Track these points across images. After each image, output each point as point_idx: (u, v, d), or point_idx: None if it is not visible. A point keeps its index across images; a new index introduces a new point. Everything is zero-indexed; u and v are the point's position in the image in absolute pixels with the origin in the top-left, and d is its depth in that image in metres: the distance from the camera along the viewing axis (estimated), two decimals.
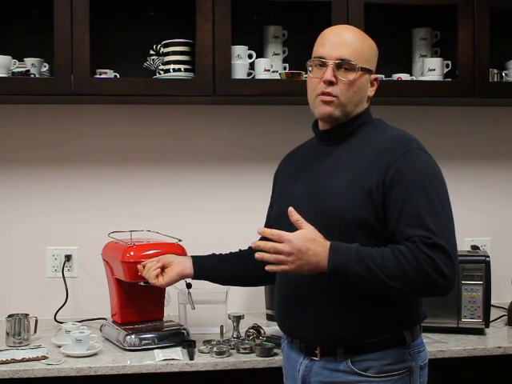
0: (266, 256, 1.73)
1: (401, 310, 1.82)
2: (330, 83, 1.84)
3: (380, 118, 1.97)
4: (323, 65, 1.86)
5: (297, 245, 1.71)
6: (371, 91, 1.93)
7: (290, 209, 1.76)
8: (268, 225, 2.13)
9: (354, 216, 1.77)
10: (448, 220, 1.76)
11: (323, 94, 1.86)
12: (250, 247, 2.20)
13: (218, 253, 2.22)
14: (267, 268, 1.75)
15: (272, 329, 2.39)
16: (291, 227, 1.77)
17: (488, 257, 2.51)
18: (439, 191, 1.77)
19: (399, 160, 1.78)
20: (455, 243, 1.76)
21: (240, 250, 2.22)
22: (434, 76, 2.71)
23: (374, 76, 1.92)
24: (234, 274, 2.18)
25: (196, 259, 2.17)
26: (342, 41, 1.87)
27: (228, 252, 2.22)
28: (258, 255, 1.75)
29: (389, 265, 1.69)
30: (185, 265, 2.15)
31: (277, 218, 1.99)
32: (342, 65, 1.85)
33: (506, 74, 2.81)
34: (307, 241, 1.71)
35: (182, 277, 2.17)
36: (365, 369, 1.79)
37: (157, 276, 2.14)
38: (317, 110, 1.89)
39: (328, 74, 1.84)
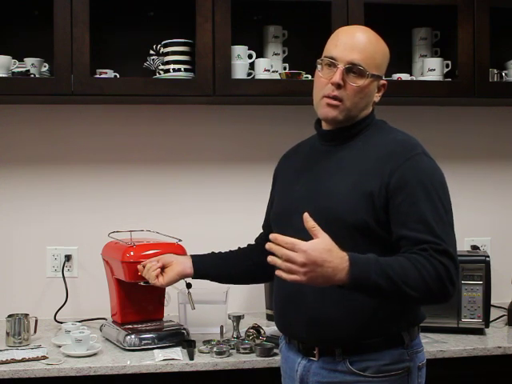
0: (278, 262, 1.61)
1: (399, 310, 1.82)
2: (338, 86, 1.82)
3: (382, 119, 1.96)
4: (333, 66, 1.84)
5: (312, 256, 1.59)
6: (377, 97, 1.90)
7: (306, 215, 1.64)
8: (267, 222, 2.13)
9: (355, 219, 1.77)
10: (451, 227, 1.77)
11: (329, 96, 1.84)
12: (248, 244, 2.22)
13: (217, 252, 2.22)
14: (277, 273, 1.63)
15: (272, 329, 2.39)
16: (290, 227, 1.77)
17: (488, 257, 2.50)
18: (443, 198, 1.77)
19: (404, 165, 1.77)
20: (456, 249, 1.76)
21: (239, 247, 2.22)
22: (434, 76, 2.70)
23: (382, 82, 1.89)
24: (234, 272, 2.18)
25: (196, 259, 2.17)
26: (355, 44, 1.83)
27: (227, 250, 2.22)
28: (270, 259, 1.63)
29: (409, 274, 1.66)
30: (185, 265, 2.15)
31: (277, 217, 1.98)
32: (352, 69, 1.82)
33: (505, 73, 2.81)
34: (324, 252, 1.60)
35: (182, 277, 2.17)
36: (363, 369, 1.79)
37: (157, 276, 2.14)
38: (320, 111, 1.88)
39: (337, 77, 1.82)
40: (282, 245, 1.61)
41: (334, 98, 1.83)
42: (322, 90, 1.86)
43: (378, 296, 1.71)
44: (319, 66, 1.88)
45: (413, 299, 1.70)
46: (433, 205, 1.74)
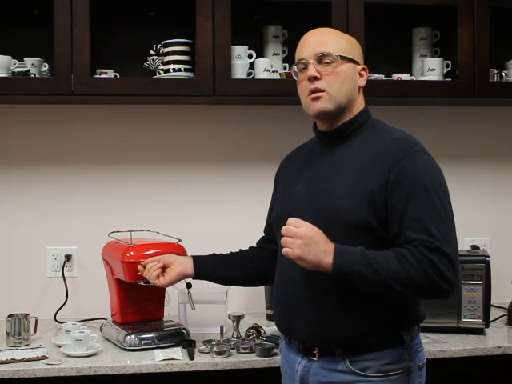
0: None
1: (399, 310, 1.82)
2: (315, 78, 1.86)
3: (379, 118, 1.96)
4: (306, 66, 1.88)
5: (313, 232, 1.72)
6: (362, 81, 1.93)
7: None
8: (268, 225, 2.14)
9: (356, 218, 1.77)
10: (450, 224, 1.77)
11: (312, 91, 1.87)
12: (250, 247, 2.22)
13: (218, 253, 2.22)
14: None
15: (272, 329, 2.39)
16: None
17: (488, 257, 2.50)
18: (442, 195, 1.77)
19: (402, 162, 1.78)
20: (457, 247, 1.76)
21: (240, 249, 2.22)
22: (434, 76, 2.70)
23: (360, 66, 1.93)
24: (235, 274, 2.18)
25: (196, 259, 2.17)
26: (318, 40, 1.90)
27: (228, 252, 2.22)
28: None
29: (392, 268, 1.69)
30: (185, 265, 2.15)
31: (278, 219, 1.98)
32: (323, 59, 1.86)
33: (505, 73, 2.81)
34: (322, 236, 1.73)
35: (183, 277, 2.17)
36: (363, 368, 1.79)
37: (157, 276, 2.14)
38: (310, 110, 1.90)
39: (311, 71, 1.86)
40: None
41: (316, 90, 1.87)
42: (304, 91, 1.90)
43: (364, 287, 1.73)
44: (295, 75, 1.93)
45: (398, 292, 1.71)
46: (431, 203, 1.74)
